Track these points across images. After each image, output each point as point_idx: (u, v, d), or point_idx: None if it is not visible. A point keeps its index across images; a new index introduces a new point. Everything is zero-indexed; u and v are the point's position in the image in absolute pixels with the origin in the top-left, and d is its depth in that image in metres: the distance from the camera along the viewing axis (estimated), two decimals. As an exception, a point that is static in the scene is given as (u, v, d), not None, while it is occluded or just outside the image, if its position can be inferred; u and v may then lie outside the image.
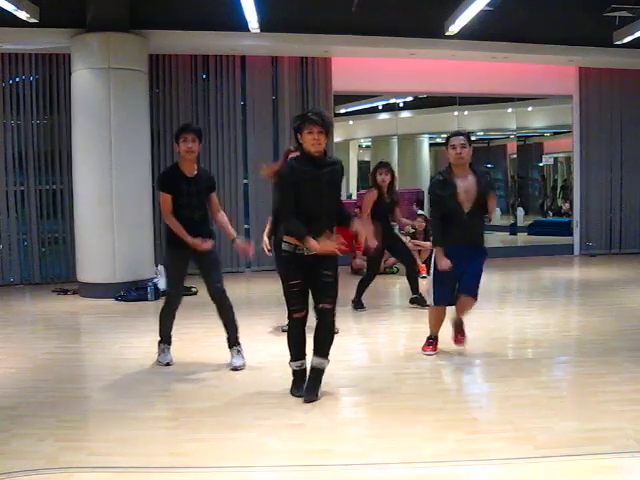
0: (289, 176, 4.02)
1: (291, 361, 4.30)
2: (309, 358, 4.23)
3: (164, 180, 4.86)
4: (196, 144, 4.78)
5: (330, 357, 4.20)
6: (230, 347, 4.97)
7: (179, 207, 4.75)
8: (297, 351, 4.27)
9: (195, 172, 4.85)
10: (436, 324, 5.23)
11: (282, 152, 9.76)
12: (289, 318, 4.26)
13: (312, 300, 4.19)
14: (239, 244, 5.00)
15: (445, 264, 4.81)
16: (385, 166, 6.87)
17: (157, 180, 4.98)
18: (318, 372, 4.14)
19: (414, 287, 7.04)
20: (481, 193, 4.84)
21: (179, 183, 4.77)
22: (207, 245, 4.78)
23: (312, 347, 4.18)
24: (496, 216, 12.76)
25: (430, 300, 5.13)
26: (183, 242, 4.75)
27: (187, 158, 4.78)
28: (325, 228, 4.04)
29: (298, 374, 4.27)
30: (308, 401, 4.05)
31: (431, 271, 5.08)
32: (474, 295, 5.00)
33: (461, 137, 4.91)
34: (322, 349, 4.14)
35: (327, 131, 3.97)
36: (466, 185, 4.84)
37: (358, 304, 6.88)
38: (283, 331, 5.70)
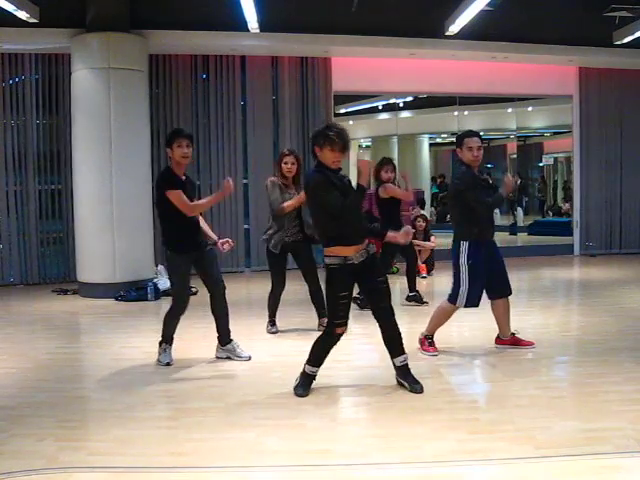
0: (326, 181, 4.05)
1: (309, 365, 4.28)
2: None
3: (170, 179, 4.77)
4: (190, 150, 4.81)
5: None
6: (229, 342, 5.10)
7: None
8: (320, 359, 4.29)
9: (184, 176, 4.89)
10: (441, 324, 5.21)
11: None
12: (329, 330, 4.22)
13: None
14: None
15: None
16: (389, 163, 6.97)
17: (162, 181, 4.83)
18: (406, 367, 4.32)
19: (412, 285, 7.14)
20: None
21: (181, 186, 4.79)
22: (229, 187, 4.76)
23: (387, 350, 4.32)
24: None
25: (460, 302, 4.99)
26: (188, 246, 4.82)
27: (183, 163, 4.80)
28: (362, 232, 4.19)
29: (309, 378, 4.28)
30: (420, 390, 4.22)
31: (465, 273, 4.95)
32: (508, 294, 5.19)
33: (477, 138, 4.99)
34: (398, 348, 4.31)
35: (347, 150, 4.11)
36: None
37: (364, 302, 6.87)
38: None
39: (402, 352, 4.31)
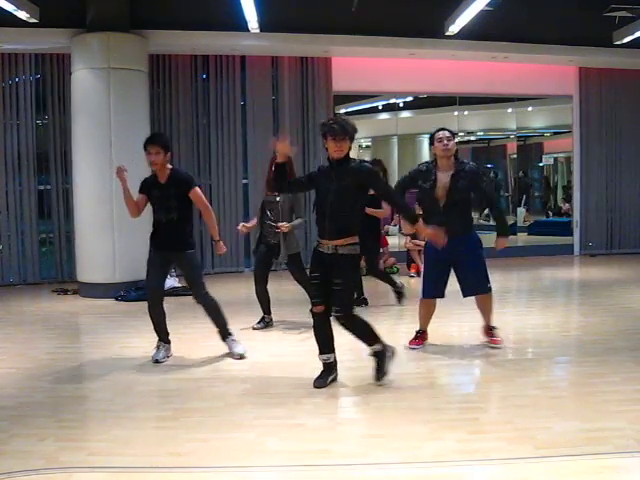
0: (308, 174, 4.60)
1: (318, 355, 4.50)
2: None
3: (141, 182, 5.22)
4: (159, 156, 4.97)
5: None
6: (223, 340, 5.21)
7: (153, 210, 5.10)
8: (318, 345, 4.46)
9: (166, 179, 5.05)
10: (424, 316, 5.36)
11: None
12: (310, 310, 4.45)
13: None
14: (218, 246, 5.24)
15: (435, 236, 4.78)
16: (378, 164, 7.00)
17: None
18: (375, 357, 4.43)
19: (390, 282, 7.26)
20: (455, 189, 5.00)
21: (151, 189, 5.09)
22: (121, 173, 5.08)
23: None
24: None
25: (421, 293, 5.32)
26: (155, 242, 5.07)
27: (153, 169, 5.07)
28: (330, 228, 4.24)
29: (324, 367, 4.45)
30: (380, 377, 4.38)
31: (424, 264, 5.29)
32: (482, 291, 5.17)
33: (446, 131, 5.17)
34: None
35: (350, 138, 4.26)
36: (445, 179, 5.04)
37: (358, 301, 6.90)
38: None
39: (368, 345, 4.42)
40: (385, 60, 10.29)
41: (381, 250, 8.08)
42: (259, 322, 6.22)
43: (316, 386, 4.32)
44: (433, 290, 5.22)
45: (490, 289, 5.21)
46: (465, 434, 3.52)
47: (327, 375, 4.41)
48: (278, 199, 5.97)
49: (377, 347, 4.40)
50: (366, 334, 4.41)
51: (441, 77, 10.64)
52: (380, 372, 4.38)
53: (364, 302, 7.08)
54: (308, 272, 4.42)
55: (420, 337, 5.36)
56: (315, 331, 4.43)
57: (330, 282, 4.24)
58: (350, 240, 4.25)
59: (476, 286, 5.17)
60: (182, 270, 5.25)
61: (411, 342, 5.32)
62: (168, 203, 4.99)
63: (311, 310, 4.41)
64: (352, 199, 4.26)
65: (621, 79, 11.18)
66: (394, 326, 6.58)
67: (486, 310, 5.30)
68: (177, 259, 5.12)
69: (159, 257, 5.07)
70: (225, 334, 5.21)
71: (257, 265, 6.23)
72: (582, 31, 9.79)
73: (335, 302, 4.26)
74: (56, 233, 9.38)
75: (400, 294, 7.16)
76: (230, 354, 5.15)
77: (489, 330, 5.35)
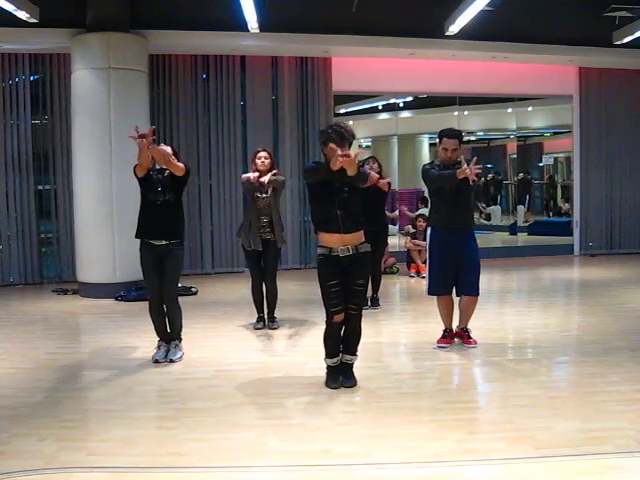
0: (309, 169, 4.45)
1: (325, 358, 4.48)
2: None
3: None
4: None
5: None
6: (170, 341, 5.19)
7: (146, 190, 5.31)
8: (326, 350, 4.44)
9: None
10: (445, 315, 5.36)
11: (281, 152, 9.92)
12: (327, 320, 4.37)
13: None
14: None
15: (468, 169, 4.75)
16: (371, 157, 7.23)
17: None
18: (349, 366, 4.45)
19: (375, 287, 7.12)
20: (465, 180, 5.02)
21: (150, 172, 5.31)
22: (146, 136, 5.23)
23: (342, 343, 4.43)
24: (497, 216, 12.86)
25: (426, 290, 5.36)
26: (147, 227, 5.26)
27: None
28: (348, 220, 4.21)
29: (331, 370, 4.42)
30: (351, 385, 4.36)
31: (428, 260, 5.31)
32: (476, 293, 5.19)
33: (454, 140, 5.08)
34: (351, 348, 4.44)
35: (349, 143, 4.22)
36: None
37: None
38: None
39: (353, 353, 4.43)
40: (385, 60, 10.29)
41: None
42: (258, 321, 6.23)
43: (334, 387, 4.32)
44: (437, 287, 5.24)
45: (479, 293, 5.26)
46: (465, 434, 3.53)
47: (337, 375, 4.41)
48: (265, 195, 6.08)
49: (356, 358, 4.47)
50: (359, 341, 4.44)
51: (441, 77, 10.64)
52: (353, 379, 4.41)
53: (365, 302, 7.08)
54: (320, 282, 4.27)
55: (448, 336, 5.37)
56: (329, 338, 4.38)
57: (350, 284, 4.24)
58: (363, 236, 4.30)
59: (472, 286, 5.18)
60: (165, 268, 5.12)
61: (439, 340, 5.35)
62: (164, 183, 5.19)
63: (328, 320, 4.31)
64: (360, 195, 4.32)
65: (621, 79, 11.18)
66: (394, 326, 6.59)
67: (470, 312, 5.33)
68: (167, 254, 5.11)
69: (152, 257, 5.14)
70: (175, 337, 5.20)
71: (252, 267, 6.22)
72: (582, 31, 9.79)
73: (355, 301, 4.28)
74: (54, 233, 9.39)
75: (374, 303, 7.05)
76: (165, 357, 5.09)
77: (465, 332, 5.39)
